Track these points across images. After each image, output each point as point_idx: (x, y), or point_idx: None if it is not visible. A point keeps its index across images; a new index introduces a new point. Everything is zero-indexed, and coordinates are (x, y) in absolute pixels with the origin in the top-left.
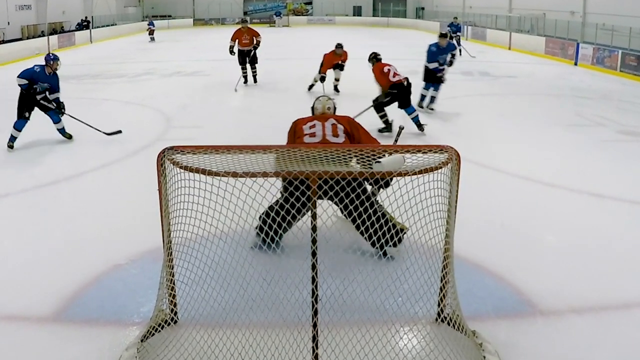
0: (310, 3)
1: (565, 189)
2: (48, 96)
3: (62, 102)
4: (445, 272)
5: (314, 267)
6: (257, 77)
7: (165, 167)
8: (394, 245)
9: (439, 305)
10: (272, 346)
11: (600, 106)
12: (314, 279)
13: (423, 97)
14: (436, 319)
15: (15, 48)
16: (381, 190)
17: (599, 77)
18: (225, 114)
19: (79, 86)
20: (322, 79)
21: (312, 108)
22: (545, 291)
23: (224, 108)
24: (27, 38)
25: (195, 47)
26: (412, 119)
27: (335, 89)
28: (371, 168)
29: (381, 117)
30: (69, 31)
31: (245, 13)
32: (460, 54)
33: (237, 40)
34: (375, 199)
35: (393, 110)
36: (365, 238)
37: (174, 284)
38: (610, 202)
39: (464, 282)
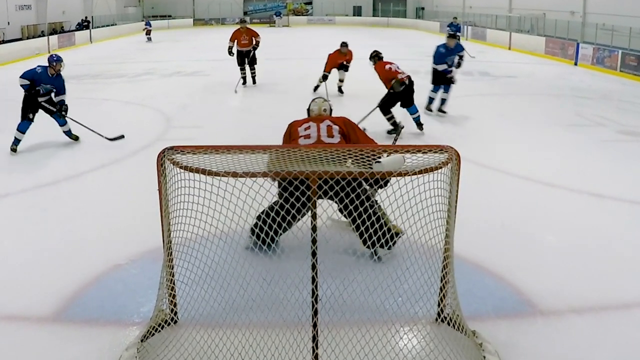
0: (310, 3)
1: (565, 189)
2: (53, 98)
3: (66, 105)
4: (445, 272)
5: (314, 267)
6: (256, 78)
7: (165, 167)
8: (387, 247)
9: (439, 305)
10: (272, 346)
11: (600, 106)
12: (314, 279)
13: (431, 100)
14: (436, 319)
15: (15, 48)
16: (379, 190)
17: (599, 77)
18: (225, 114)
19: (79, 86)
20: (325, 78)
21: (308, 110)
22: (545, 291)
23: (224, 108)
24: (27, 38)
25: (195, 47)
26: (413, 118)
27: (340, 90)
28: (371, 168)
29: (388, 119)
30: (69, 31)
31: (245, 13)
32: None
33: (235, 41)
34: (374, 200)
35: (394, 110)
36: (357, 235)
37: (174, 284)
38: (610, 202)
39: (464, 282)
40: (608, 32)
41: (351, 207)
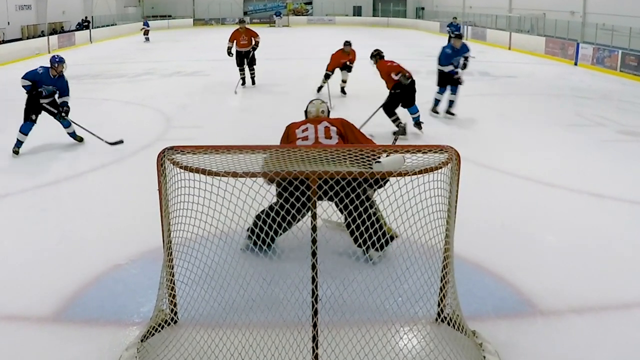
0: (310, 3)
1: (565, 189)
2: (57, 99)
3: (67, 107)
4: (445, 272)
5: (314, 267)
6: (255, 79)
7: (165, 167)
8: (379, 248)
9: (439, 305)
10: (272, 346)
11: (600, 106)
12: (314, 279)
13: (437, 101)
14: (436, 319)
15: (15, 48)
16: (379, 190)
17: (599, 77)
18: (225, 114)
19: (79, 86)
20: (327, 77)
21: (306, 112)
22: (545, 291)
23: (224, 108)
24: (27, 38)
25: (195, 47)
26: (412, 118)
27: (342, 90)
28: (371, 168)
29: (393, 121)
30: (69, 31)
31: (245, 13)
32: None
33: (234, 41)
34: (373, 200)
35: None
36: (349, 234)
37: (174, 284)
38: (610, 202)
39: (464, 282)
40: (608, 32)
41: (351, 207)
